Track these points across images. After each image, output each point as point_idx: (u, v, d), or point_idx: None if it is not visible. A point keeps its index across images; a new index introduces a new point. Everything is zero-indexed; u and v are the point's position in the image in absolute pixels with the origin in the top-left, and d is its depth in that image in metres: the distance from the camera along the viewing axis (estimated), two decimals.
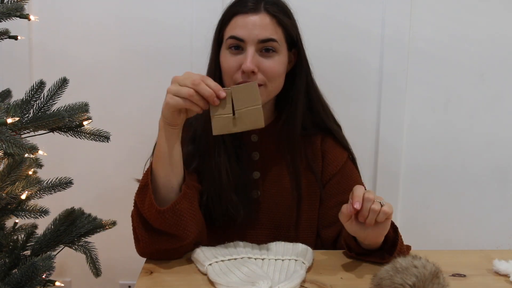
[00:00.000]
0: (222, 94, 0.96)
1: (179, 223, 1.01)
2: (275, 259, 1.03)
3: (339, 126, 1.28)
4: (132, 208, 1.07)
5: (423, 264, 0.82)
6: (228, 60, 1.11)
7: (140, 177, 1.09)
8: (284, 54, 1.13)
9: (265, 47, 1.10)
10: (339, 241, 1.18)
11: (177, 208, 1.00)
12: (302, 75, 1.18)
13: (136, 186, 1.05)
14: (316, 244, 1.24)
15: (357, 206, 0.94)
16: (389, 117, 1.66)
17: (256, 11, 1.09)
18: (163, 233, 1.03)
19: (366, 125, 1.67)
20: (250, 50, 1.08)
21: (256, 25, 1.08)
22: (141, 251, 1.06)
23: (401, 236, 1.05)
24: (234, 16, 1.11)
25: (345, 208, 0.98)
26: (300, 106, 1.17)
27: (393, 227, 1.04)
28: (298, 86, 1.17)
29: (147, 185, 1.01)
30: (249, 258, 1.03)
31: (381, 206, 0.94)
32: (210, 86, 0.95)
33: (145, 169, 1.07)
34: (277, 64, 1.11)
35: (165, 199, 1.03)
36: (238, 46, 1.10)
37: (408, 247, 1.10)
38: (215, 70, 1.14)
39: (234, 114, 0.97)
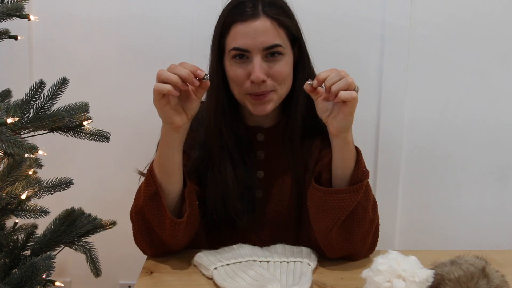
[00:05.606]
0: (201, 73, 0.95)
1: (175, 236, 1.03)
2: (280, 262, 1.02)
3: None
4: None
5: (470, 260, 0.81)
6: (235, 70, 1.09)
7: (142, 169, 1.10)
8: (289, 54, 1.11)
9: (271, 52, 1.07)
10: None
11: (176, 228, 1.01)
12: (304, 71, 1.16)
13: (137, 178, 1.07)
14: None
15: (315, 83, 0.97)
16: (389, 117, 1.66)
17: (255, 16, 1.06)
18: (156, 240, 1.05)
19: (366, 125, 1.67)
20: (257, 60, 1.06)
21: (258, 32, 1.05)
22: (139, 247, 1.10)
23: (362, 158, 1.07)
24: (233, 25, 1.07)
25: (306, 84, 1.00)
26: (301, 102, 1.15)
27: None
28: (300, 83, 1.15)
29: (157, 193, 1.01)
30: (254, 261, 1.02)
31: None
32: (186, 67, 0.95)
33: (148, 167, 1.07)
34: (285, 66, 1.10)
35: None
36: (243, 55, 1.08)
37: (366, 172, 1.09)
38: (218, 80, 1.11)
39: None
